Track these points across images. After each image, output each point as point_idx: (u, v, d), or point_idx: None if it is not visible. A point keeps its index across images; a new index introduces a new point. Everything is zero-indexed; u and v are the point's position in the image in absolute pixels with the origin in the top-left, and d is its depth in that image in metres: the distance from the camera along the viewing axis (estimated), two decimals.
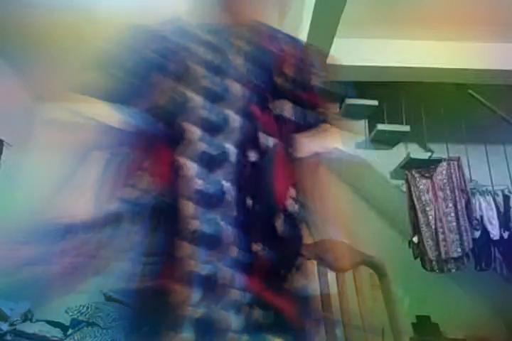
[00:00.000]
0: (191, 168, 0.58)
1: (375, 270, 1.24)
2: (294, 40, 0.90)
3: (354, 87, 3.71)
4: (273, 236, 0.62)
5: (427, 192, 3.02)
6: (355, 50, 3.16)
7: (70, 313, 2.76)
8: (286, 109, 0.76)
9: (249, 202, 0.60)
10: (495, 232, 2.89)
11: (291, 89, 0.79)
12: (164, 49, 0.72)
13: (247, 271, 0.56)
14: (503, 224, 2.92)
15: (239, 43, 0.78)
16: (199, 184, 0.56)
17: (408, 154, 3.13)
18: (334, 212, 0.86)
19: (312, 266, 0.63)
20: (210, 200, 0.57)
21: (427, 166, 3.07)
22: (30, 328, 2.78)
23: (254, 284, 0.56)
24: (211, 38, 0.77)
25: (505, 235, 2.88)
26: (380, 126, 3.26)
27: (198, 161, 0.59)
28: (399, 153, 3.32)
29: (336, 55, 3.28)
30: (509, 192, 3.04)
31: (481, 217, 2.93)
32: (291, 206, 0.66)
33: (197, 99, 0.66)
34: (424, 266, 2.96)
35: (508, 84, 3.36)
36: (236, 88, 0.70)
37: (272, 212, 0.64)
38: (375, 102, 3.42)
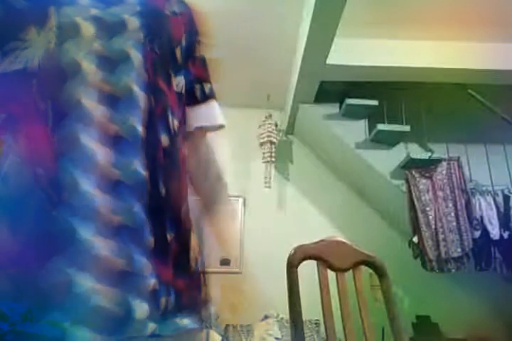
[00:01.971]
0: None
1: (375, 270, 1.24)
2: (183, 3, 0.76)
3: (354, 87, 3.72)
4: (181, 226, 0.62)
5: (427, 192, 3.02)
6: (355, 50, 3.16)
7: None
8: (182, 86, 0.69)
9: (162, 190, 0.58)
10: (495, 232, 2.89)
11: (185, 62, 0.71)
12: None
13: (160, 260, 0.56)
14: (503, 224, 2.92)
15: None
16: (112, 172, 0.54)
17: (408, 154, 3.14)
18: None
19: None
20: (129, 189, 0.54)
21: (427, 166, 3.07)
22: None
23: (166, 272, 0.57)
24: None
25: (505, 235, 2.88)
26: (380, 126, 3.26)
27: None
28: (399, 153, 3.32)
29: (336, 55, 3.31)
30: (509, 192, 3.04)
31: (481, 217, 2.93)
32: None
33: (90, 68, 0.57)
34: (424, 266, 2.96)
35: (508, 84, 3.36)
36: (138, 58, 0.60)
37: (181, 200, 0.63)
38: (375, 102, 3.42)
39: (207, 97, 0.76)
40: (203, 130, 0.78)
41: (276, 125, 3.84)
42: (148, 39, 0.63)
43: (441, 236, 2.88)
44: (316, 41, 2.73)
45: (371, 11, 2.98)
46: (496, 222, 2.92)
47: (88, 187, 0.51)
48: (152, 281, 0.53)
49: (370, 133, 3.42)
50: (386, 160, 3.33)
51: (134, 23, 0.63)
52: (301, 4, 2.81)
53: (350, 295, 1.16)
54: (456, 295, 3.45)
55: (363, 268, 1.23)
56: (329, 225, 3.74)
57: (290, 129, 4.04)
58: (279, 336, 3.00)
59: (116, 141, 0.55)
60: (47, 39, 0.57)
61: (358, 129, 3.48)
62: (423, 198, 3.00)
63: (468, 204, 2.93)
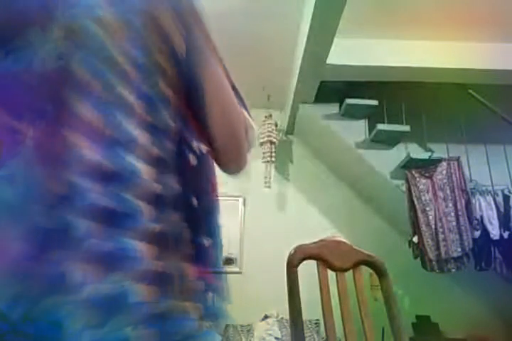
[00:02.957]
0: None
1: (375, 270, 1.24)
2: None
3: (354, 87, 3.73)
4: (216, 229, 0.70)
5: (427, 192, 3.02)
6: (355, 50, 3.17)
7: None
8: None
9: (194, 202, 0.66)
10: (495, 232, 2.89)
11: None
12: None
13: (202, 264, 0.64)
14: (503, 224, 2.92)
15: None
16: (155, 187, 0.59)
17: (408, 154, 3.14)
18: None
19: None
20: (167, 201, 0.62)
21: (427, 166, 3.07)
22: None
23: (208, 275, 0.65)
24: None
25: (505, 235, 2.88)
26: (380, 126, 3.26)
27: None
28: (399, 153, 3.32)
29: (336, 55, 3.31)
30: (509, 192, 3.04)
31: (481, 217, 2.93)
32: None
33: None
34: (424, 266, 2.96)
35: (508, 84, 3.36)
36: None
37: (213, 208, 0.71)
38: (375, 102, 3.42)
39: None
40: None
41: (276, 125, 3.84)
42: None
43: (441, 236, 2.88)
44: (316, 41, 2.73)
45: (371, 11, 2.98)
46: (496, 222, 2.92)
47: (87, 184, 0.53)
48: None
49: (370, 133, 3.42)
50: (386, 160, 3.33)
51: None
52: (301, 4, 2.81)
53: (350, 295, 1.16)
54: (456, 295, 3.45)
55: (363, 268, 1.23)
56: (329, 225, 3.74)
57: (290, 129, 4.04)
58: (279, 336, 3.00)
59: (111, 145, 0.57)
60: (51, 39, 0.58)
61: (358, 129, 3.48)
62: (423, 198, 3.00)
63: (468, 204, 2.93)
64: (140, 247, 0.54)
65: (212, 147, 0.71)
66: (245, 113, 0.76)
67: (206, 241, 0.67)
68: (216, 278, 0.67)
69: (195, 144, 0.69)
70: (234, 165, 0.77)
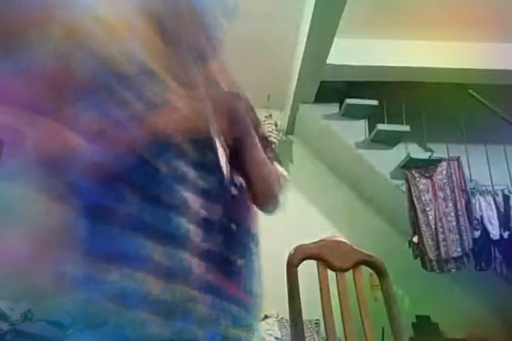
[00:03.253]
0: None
1: (375, 270, 1.24)
2: None
3: (354, 87, 3.72)
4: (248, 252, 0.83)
5: (427, 192, 3.02)
6: (355, 50, 3.17)
7: (71, 313, 2.76)
8: None
9: (233, 227, 0.79)
10: (495, 232, 2.89)
11: None
12: None
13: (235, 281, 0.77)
14: (503, 224, 2.92)
15: None
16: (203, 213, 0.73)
17: (408, 154, 3.14)
18: None
19: None
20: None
21: (427, 166, 3.07)
22: (30, 328, 2.78)
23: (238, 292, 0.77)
24: None
25: (505, 235, 2.88)
26: (380, 126, 3.26)
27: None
28: (399, 153, 3.32)
29: (336, 55, 3.31)
30: (509, 192, 3.04)
31: (481, 216, 2.93)
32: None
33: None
34: (424, 266, 2.96)
35: (508, 84, 3.36)
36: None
37: (249, 234, 0.84)
38: (375, 102, 3.42)
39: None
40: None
41: (276, 125, 3.84)
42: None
43: (441, 236, 2.88)
44: (316, 41, 2.73)
45: (371, 11, 2.98)
46: (496, 222, 2.92)
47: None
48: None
49: (370, 133, 3.42)
50: (386, 160, 3.33)
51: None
52: (301, 4, 2.81)
53: (350, 295, 1.16)
54: (456, 295, 3.45)
55: (363, 268, 1.23)
56: (329, 225, 3.74)
57: (290, 129, 4.04)
58: (279, 336, 3.00)
59: None
60: (51, 40, 0.63)
61: (358, 129, 3.48)
62: (423, 198, 3.00)
63: (468, 204, 2.93)
64: (193, 262, 0.68)
65: (252, 194, 0.86)
66: (276, 164, 0.91)
67: (239, 261, 0.79)
68: (246, 295, 0.78)
69: (236, 178, 0.84)
70: (269, 206, 0.91)
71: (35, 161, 0.59)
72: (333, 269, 1.19)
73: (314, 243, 1.22)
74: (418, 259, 3.02)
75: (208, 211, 0.73)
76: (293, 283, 1.15)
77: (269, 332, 3.02)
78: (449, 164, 3.05)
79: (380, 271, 1.23)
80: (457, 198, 2.94)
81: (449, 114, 3.46)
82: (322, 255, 1.19)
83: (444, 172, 3.05)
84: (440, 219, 2.93)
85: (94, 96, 0.61)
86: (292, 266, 1.17)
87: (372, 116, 3.49)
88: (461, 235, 2.85)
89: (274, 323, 3.11)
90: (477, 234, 2.89)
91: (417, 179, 3.06)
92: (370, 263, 1.23)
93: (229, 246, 0.77)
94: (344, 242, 1.23)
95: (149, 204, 0.67)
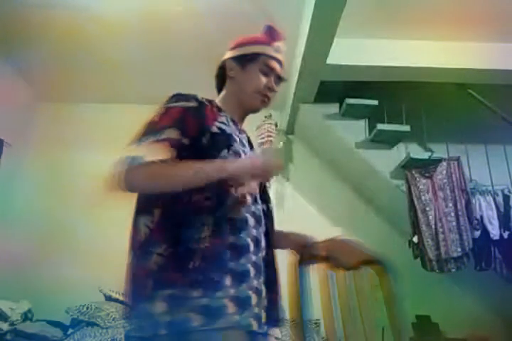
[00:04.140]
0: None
1: (376, 270, 1.24)
2: None
3: (354, 87, 3.72)
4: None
5: (427, 192, 3.02)
6: (355, 50, 3.16)
7: (71, 313, 2.76)
8: None
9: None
10: (495, 232, 2.89)
11: None
12: None
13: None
14: (503, 224, 2.92)
15: None
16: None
17: (408, 154, 3.14)
18: None
19: None
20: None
21: (427, 166, 3.07)
22: (30, 328, 2.78)
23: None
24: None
25: (505, 235, 2.88)
26: (380, 126, 3.26)
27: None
28: (399, 153, 3.32)
29: (336, 55, 3.31)
30: (509, 192, 3.04)
31: (481, 216, 2.93)
32: None
33: None
34: (424, 266, 2.96)
35: (508, 84, 3.36)
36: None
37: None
38: (375, 102, 3.42)
39: None
40: None
41: (276, 125, 3.84)
42: None
43: (441, 236, 2.88)
44: (316, 41, 2.73)
45: (371, 11, 2.98)
46: (495, 222, 2.92)
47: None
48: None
49: (370, 133, 3.41)
50: (386, 160, 3.33)
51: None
52: (301, 4, 2.81)
53: (351, 295, 1.16)
54: (456, 295, 3.44)
55: (364, 267, 1.22)
56: (329, 225, 3.74)
57: (290, 129, 4.04)
58: (279, 336, 3.00)
59: None
60: None
61: (358, 129, 3.48)
62: (423, 198, 3.00)
63: (468, 204, 2.93)
64: (250, 268, 0.95)
65: None
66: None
67: (274, 273, 1.04)
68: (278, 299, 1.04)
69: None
70: None
71: None
72: (335, 268, 1.19)
73: (324, 241, 1.22)
74: (418, 259, 3.02)
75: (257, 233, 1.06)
76: (294, 282, 1.15)
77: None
78: (449, 164, 3.05)
79: (380, 271, 1.23)
80: (457, 198, 2.94)
81: (449, 114, 3.46)
82: (323, 255, 1.19)
83: (444, 172, 3.05)
84: (440, 219, 2.93)
85: None
86: (294, 264, 1.17)
87: (372, 116, 3.49)
88: (461, 235, 2.85)
89: None
90: (477, 234, 2.89)
91: (417, 179, 3.05)
92: (371, 262, 1.23)
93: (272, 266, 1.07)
94: (345, 241, 1.23)
95: None
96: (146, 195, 1.00)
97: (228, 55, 1.20)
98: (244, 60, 1.17)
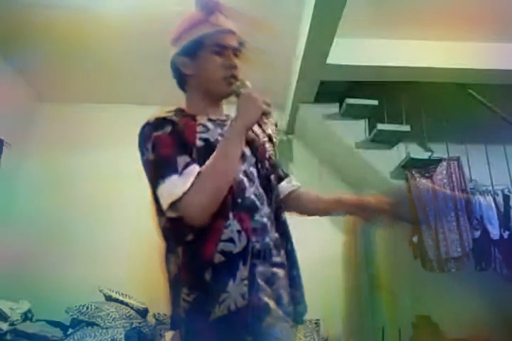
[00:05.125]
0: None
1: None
2: None
3: (354, 87, 3.72)
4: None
5: (427, 192, 3.02)
6: (355, 50, 3.16)
7: (70, 313, 2.76)
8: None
9: (290, 246, 1.13)
10: (495, 232, 2.89)
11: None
12: None
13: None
14: (503, 224, 2.92)
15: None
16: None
17: (408, 154, 3.13)
18: None
19: None
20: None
21: (427, 166, 3.07)
22: (30, 328, 2.78)
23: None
24: None
25: (505, 235, 2.88)
26: (380, 126, 3.26)
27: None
28: (399, 153, 3.31)
29: (336, 55, 3.31)
30: (509, 192, 3.04)
31: (481, 216, 2.93)
32: None
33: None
34: (424, 266, 2.96)
35: (508, 84, 3.36)
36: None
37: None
38: (375, 102, 3.42)
39: (286, 175, 1.36)
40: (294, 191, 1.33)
41: (276, 125, 3.83)
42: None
43: (441, 236, 2.88)
44: (316, 41, 2.73)
45: (371, 10, 2.98)
46: (495, 222, 2.92)
47: None
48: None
49: (370, 133, 3.41)
50: (386, 160, 3.32)
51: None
52: (301, 4, 2.81)
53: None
54: (456, 295, 3.44)
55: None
56: (329, 225, 3.74)
57: (290, 129, 4.04)
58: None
59: None
60: None
61: (358, 129, 3.48)
62: (423, 198, 3.00)
63: (468, 205, 2.93)
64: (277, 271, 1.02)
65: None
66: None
67: (296, 272, 1.08)
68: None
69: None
70: None
71: None
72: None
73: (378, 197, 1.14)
74: (418, 259, 3.01)
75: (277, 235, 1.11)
76: (354, 240, 1.16)
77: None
78: (449, 164, 3.05)
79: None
80: (457, 198, 2.94)
81: (449, 114, 3.45)
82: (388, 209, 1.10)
83: (444, 172, 3.05)
84: (440, 219, 2.93)
85: None
86: (354, 223, 1.18)
87: (372, 116, 3.48)
88: (461, 235, 2.85)
89: None
90: (477, 234, 2.89)
91: (417, 179, 3.05)
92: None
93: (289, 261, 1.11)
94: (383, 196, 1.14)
95: None
96: (169, 232, 0.98)
97: (173, 51, 1.11)
98: (190, 51, 1.08)
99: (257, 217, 1.01)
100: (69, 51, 3.29)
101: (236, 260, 0.91)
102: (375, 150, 3.37)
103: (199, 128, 1.03)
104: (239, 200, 0.98)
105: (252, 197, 1.03)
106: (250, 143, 1.10)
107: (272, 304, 0.94)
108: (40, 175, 3.66)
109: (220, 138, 1.03)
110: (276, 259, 1.03)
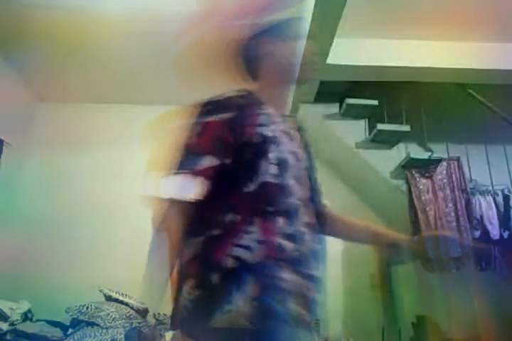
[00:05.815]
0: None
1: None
2: None
3: (354, 87, 3.72)
4: None
5: (427, 192, 3.02)
6: (355, 50, 3.16)
7: (70, 313, 2.76)
8: None
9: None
10: (495, 232, 2.89)
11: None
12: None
13: None
14: (503, 224, 2.92)
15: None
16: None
17: (408, 154, 3.14)
18: None
19: None
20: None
21: (427, 166, 3.07)
22: (30, 328, 2.78)
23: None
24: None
25: (505, 235, 2.88)
26: (380, 126, 3.26)
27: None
28: (399, 153, 3.32)
29: (336, 54, 3.31)
30: (509, 192, 3.04)
31: (481, 216, 2.93)
32: None
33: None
34: (424, 266, 2.96)
35: (508, 84, 3.36)
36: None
37: None
38: (375, 102, 3.42)
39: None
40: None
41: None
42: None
43: (441, 236, 2.88)
44: (316, 41, 2.73)
45: (371, 10, 2.98)
46: (495, 222, 2.92)
47: None
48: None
49: (370, 133, 3.41)
50: (386, 160, 3.32)
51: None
52: (301, 4, 2.80)
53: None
54: (456, 295, 3.44)
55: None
56: None
57: None
58: None
59: None
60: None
61: (358, 129, 3.48)
62: (423, 198, 3.00)
63: (468, 204, 2.93)
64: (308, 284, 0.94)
65: None
66: None
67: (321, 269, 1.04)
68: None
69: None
70: None
71: None
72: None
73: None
74: (418, 259, 3.01)
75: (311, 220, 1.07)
76: (382, 277, 1.15)
77: None
78: (449, 164, 3.05)
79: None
80: (457, 198, 2.94)
81: (449, 114, 3.45)
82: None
83: (444, 172, 3.05)
84: (440, 219, 2.93)
85: None
86: (382, 261, 1.17)
87: (372, 116, 3.49)
88: (461, 235, 2.85)
89: None
90: (477, 234, 2.89)
91: (417, 179, 3.06)
92: None
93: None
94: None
95: None
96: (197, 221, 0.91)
97: (251, 29, 1.04)
98: (279, 33, 1.05)
99: (295, 225, 0.92)
100: (69, 51, 3.29)
101: (249, 271, 0.82)
102: (375, 150, 3.37)
103: (260, 120, 0.94)
104: (269, 208, 0.90)
105: (296, 202, 0.95)
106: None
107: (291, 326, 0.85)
108: (40, 175, 3.66)
109: (280, 134, 0.96)
110: (311, 272, 0.94)
